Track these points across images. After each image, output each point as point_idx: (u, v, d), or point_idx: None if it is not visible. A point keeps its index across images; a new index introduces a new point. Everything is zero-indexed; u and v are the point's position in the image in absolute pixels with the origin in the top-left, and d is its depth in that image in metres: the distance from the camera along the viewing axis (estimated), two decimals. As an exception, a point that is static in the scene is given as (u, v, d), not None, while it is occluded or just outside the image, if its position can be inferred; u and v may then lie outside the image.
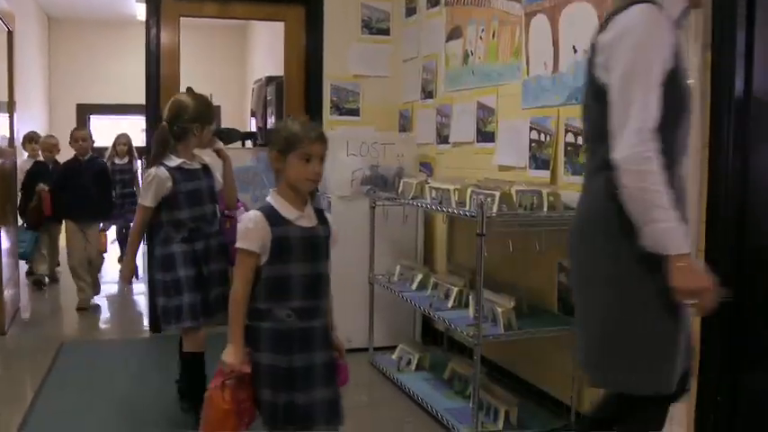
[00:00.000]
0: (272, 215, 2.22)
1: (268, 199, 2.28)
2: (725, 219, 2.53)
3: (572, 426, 3.23)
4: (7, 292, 4.96)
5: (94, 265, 5.91)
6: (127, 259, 3.32)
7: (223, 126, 8.59)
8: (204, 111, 3.20)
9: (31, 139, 6.70)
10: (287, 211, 2.24)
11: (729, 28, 2.48)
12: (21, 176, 6.03)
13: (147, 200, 3.09)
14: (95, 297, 5.93)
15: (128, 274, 3.31)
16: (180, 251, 3.08)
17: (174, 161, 3.11)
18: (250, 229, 2.19)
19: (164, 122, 3.15)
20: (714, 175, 2.54)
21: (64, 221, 5.78)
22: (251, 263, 2.20)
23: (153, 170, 3.07)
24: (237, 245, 2.21)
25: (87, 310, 5.63)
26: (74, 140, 5.70)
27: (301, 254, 2.23)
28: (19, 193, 5.95)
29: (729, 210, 2.52)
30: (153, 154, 3.13)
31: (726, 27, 2.48)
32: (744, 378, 2.56)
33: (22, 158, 6.44)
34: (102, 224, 6.17)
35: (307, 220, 2.28)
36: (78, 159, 5.68)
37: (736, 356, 2.55)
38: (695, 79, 2.48)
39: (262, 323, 2.21)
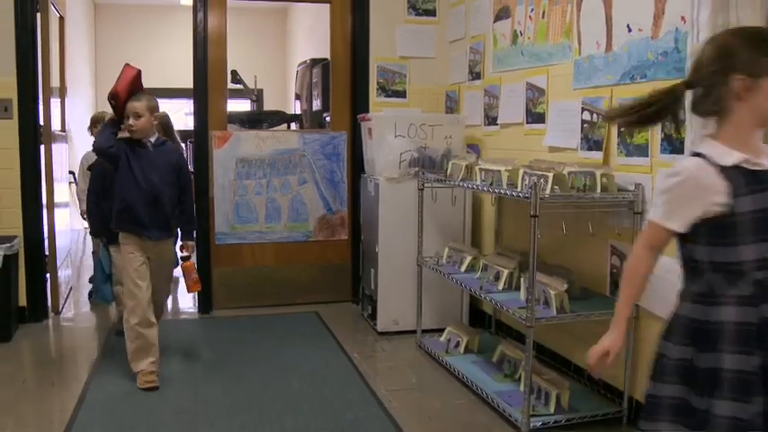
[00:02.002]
0: None
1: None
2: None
3: (625, 411, 3.20)
4: (62, 273, 5.07)
5: (158, 305, 3.87)
6: (619, 330, 2.04)
7: (266, 108, 8.66)
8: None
9: (97, 119, 5.22)
10: None
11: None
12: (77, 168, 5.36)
13: (670, 218, 1.83)
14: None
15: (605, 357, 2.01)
16: (735, 320, 1.76)
17: (723, 154, 1.77)
18: None
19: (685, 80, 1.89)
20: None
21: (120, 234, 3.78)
22: None
23: (686, 163, 1.81)
24: None
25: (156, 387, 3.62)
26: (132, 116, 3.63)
27: None
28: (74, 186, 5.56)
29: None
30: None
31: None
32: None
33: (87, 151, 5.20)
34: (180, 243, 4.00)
35: None
36: (140, 141, 3.68)
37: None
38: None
39: None
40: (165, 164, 3.74)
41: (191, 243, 3.94)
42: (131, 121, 3.61)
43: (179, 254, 3.97)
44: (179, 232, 4.11)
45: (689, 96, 2.30)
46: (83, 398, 3.46)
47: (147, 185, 3.65)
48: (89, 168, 4.61)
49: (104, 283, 4.45)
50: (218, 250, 5.09)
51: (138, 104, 3.63)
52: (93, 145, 3.80)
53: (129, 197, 3.65)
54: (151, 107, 3.68)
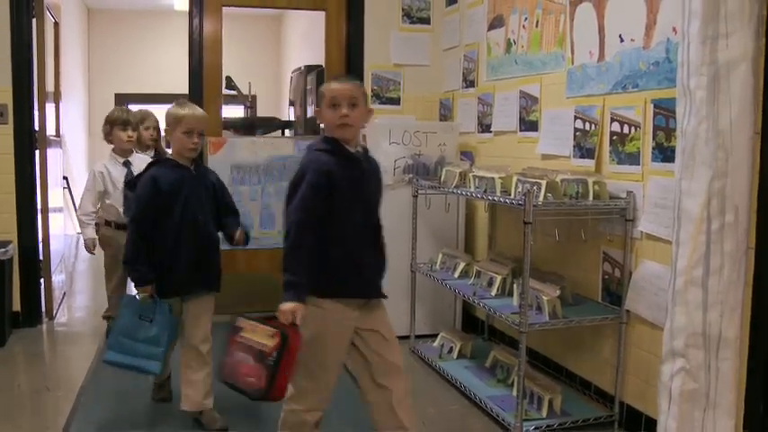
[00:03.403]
0: None
1: None
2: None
3: (616, 416, 3.24)
4: (55, 278, 5.08)
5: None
6: None
7: (260, 115, 8.68)
8: None
9: (126, 119, 4.23)
10: None
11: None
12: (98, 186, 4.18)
13: None
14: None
15: None
16: None
17: None
18: None
19: None
20: (766, 165, 2.52)
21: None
22: None
23: None
24: None
25: None
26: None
27: None
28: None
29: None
30: None
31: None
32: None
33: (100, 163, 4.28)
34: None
35: None
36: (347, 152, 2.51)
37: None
38: (747, 66, 2.46)
39: None
40: (377, 183, 2.61)
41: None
42: (344, 111, 2.43)
43: None
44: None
45: (680, 107, 2.33)
46: (78, 403, 3.47)
47: (371, 220, 2.53)
48: (127, 185, 3.32)
49: (160, 348, 3.08)
50: (213, 256, 5.09)
51: (350, 87, 2.48)
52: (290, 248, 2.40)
53: (352, 241, 2.44)
54: (365, 94, 2.55)
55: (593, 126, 3.43)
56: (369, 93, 5.12)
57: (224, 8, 5.09)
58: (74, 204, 8.42)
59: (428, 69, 5.24)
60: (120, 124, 4.21)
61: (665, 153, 2.95)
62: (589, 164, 3.44)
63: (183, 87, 5.12)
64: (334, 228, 2.40)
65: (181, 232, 3.03)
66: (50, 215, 4.98)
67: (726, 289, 2.51)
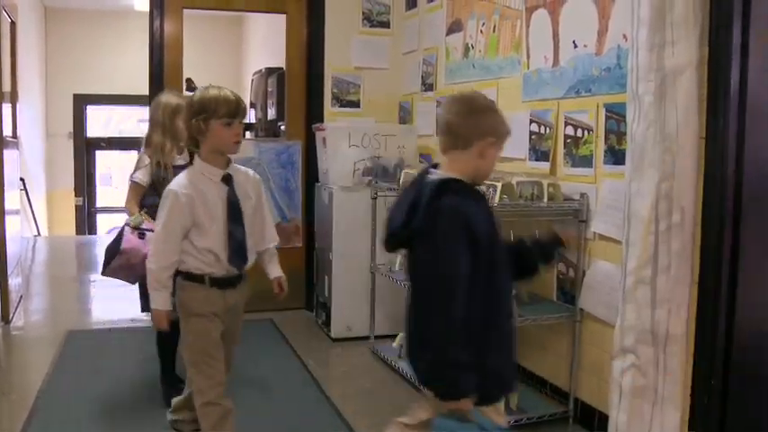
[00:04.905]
0: None
1: None
2: (721, 211, 2.60)
3: (570, 412, 3.31)
4: (12, 281, 5.02)
5: None
6: None
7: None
8: None
9: (236, 108, 2.59)
10: None
11: (725, 23, 2.55)
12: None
13: None
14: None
15: None
16: None
17: None
18: None
19: None
20: (710, 168, 2.61)
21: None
22: None
23: None
24: None
25: None
26: None
27: None
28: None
29: (726, 202, 2.59)
30: None
31: (721, 22, 2.55)
32: (736, 362, 2.64)
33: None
34: None
35: None
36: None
37: (729, 340, 2.63)
38: (692, 73, 2.55)
39: None
40: None
41: None
42: None
43: None
44: None
45: (629, 112, 2.39)
46: (35, 407, 3.44)
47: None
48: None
49: None
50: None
51: None
52: None
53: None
54: None
55: (547, 129, 3.51)
56: (329, 95, 5.17)
57: (185, 9, 5.09)
58: (30, 207, 8.31)
59: (388, 72, 5.28)
60: (223, 116, 2.54)
61: (616, 156, 3.03)
62: (544, 166, 3.52)
63: (143, 88, 5.10)
64: None
65: (503, 299, 2.11)
66: (7, 217, 4.92)
67: (673, 287, 2.60)
